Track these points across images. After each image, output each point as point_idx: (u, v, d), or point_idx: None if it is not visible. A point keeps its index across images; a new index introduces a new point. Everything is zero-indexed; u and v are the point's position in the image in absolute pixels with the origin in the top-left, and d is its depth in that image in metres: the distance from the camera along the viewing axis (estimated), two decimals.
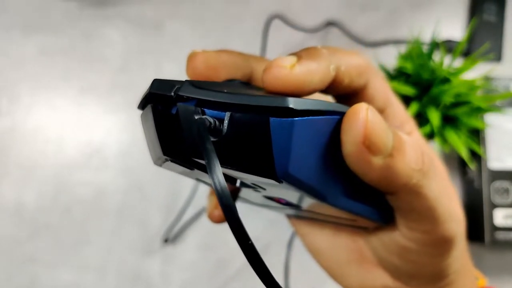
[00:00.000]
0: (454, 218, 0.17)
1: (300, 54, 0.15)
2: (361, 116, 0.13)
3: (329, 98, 0.21)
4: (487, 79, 0.47)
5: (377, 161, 0.14)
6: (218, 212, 0.21)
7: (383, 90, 0.19)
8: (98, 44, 0.52)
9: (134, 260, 0.48)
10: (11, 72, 0.51)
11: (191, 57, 0.17)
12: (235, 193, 0.21)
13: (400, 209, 0.17)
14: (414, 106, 0.40)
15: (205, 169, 0.14)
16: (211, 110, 0.13)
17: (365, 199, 0.16)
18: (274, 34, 0.52)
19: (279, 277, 0.48)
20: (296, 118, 0.12)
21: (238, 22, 0.53)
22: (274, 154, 0.12)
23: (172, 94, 0.13)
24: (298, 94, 0.14)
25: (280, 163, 0.12)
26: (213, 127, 0.12)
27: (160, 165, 0.16)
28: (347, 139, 0.13)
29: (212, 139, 0.13)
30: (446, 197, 0.17)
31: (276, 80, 0.14)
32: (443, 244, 0.17)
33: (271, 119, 0.12)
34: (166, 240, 0.48)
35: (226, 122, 0.12)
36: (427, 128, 0.40)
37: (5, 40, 0.52)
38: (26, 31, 0.52)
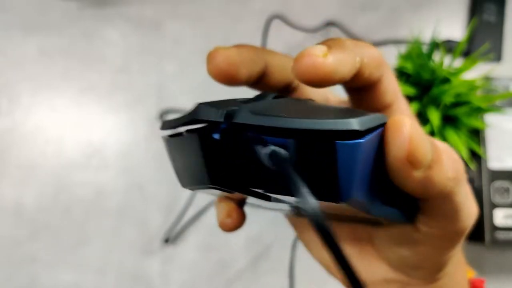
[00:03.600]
0: (472, 216, 0.18)
1: (329, 44, 0.15)
2: (405, 131, 0.13)
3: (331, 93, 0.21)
4: (487, 79, 0.47)
5: (417, 174, 0.14)
6: (231, 220, 0.20)
7: (393, 84, 0.19)
8: (98, 44, 0.52)
9: (134, 260, 0.48)
10: (11, 72, 0.51)
11: (213, 55, 0.17)
12: (243, 200, 0.20)
13: (426, 210, 0.17)
14: (414, 106, 0.40)
15: (259, 195, 0.14)
16: (272, 138, 0.12)
17: (397, 204, 0.16)
18: (274, 34, 0.52)
19: (283, 277, 0.48)
20: (362, 140, 0.12)
21: (238, 22, 0.53)
22: (340, 178, 0.12)
23: (223, 120, 0.13)
24: (327, 84, 0.14)
25: (345, 187, 0.12)
26: (275, 155, 0.12)
27: (193, 190, 0.15)
28: (391, 154, 0.13)
29: (271, 166, 0.12)
30: (469, 198, 0.17)
31: (309, 68, 0.14)
32: (456, 238, 0.18)
33: (338, 143, 0.11)
34: (166, 240, 0.48)
35: (291, 149, 0.12)
36: (427, 128, 0.40)
37: (5, 40, 0.52)
38: (26, 31, 0.52)
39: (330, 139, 0.11)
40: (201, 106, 0.13)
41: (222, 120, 0.13)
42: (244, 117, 0.12)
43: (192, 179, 0.15)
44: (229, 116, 0.13)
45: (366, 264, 0.21)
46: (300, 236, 0.23)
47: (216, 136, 0.13)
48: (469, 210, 0.17)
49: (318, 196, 0.12)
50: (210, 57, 0.17)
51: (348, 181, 0.12)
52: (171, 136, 0.15)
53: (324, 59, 0.14)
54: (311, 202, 0.10)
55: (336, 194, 0.12)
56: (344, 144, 0.11)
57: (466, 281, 0.22)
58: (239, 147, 0.12)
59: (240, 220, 0.20)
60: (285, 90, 0.20)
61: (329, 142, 0.11)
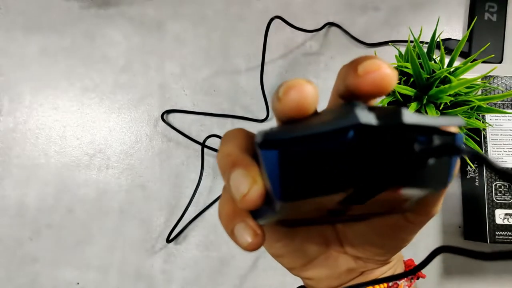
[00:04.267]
0: None
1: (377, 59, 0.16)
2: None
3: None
4: (488, 78, 0.47)
5: None
6: (259, 238, 0.18)
7: None
8: (100, 44, 0.52)
9: (137, 259, 0.48)
10: (13, 72, 0.51)
11: (298, 87, 0.15)
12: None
13: (420, 202, 0.19)
14: (414, 106, 0.41)
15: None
16: (422, 137, 0.14)
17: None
18: (274, 34, 0.53)
19: (282, 275, 0.48)
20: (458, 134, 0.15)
21: (239, 22, 0.54)
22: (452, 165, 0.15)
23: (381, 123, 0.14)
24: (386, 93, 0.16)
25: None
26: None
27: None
28: None
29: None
30: None
31: (385, 79, 0.15)
32: (427, 221, 0.21)
33: (458, 135, 0.14)
34: (168, 239, 0.48)
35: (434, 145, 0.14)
36: None
37: (7, 40, 0.52)
38: (28, 31, 0.52)
39: (452, 133, 0.14)
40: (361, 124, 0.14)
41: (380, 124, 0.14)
42: (407, 117, 0.14)
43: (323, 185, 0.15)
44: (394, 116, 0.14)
45: (333, 260, 0.24)
46: (271, 246, 0.23)
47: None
48: None
49: (439, 184, 0.16)
50: (293, 89, 0.15)
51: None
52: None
53: (392, 71, 0.15)
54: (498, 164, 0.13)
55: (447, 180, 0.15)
56: (460, 135, 0.15)
57: (402, 260, 0.27)
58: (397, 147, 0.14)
59: (264, 234, 0.18)
60: None
61: (452, 136, 0.15)
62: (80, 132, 0.51)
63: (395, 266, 0.26)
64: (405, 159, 0.14)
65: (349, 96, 0.17)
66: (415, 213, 0.20)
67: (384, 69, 0.15)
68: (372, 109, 0.14)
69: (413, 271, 0.18)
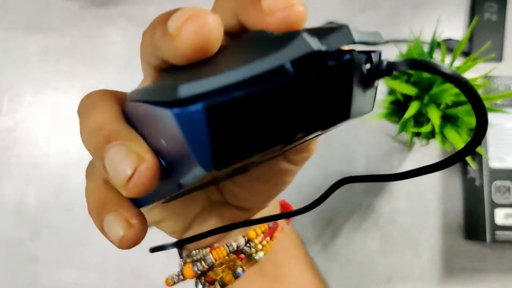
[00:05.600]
0: None
1: None
2: None
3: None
4: (488, 78, 0.47)
5: None
6: (136, 230, 0.15)
7: None
8: (100, 43, 0.52)
9: (135, 258, 0.48)
10: (13, 71, 0.51)
11: (198, 18, 0.11)
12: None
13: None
14: (415, 105, 0.40)
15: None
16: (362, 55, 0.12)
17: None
18: None
19: None
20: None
21: None
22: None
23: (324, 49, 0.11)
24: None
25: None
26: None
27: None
28: None
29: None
30: None
31: (299, 18, 0.13)
32: (309, 158, 0.20)
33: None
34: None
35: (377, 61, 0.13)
36: (428, 127, 0.40)
37: (7, 40, 0.52)
38: (28, 31, 0.52)
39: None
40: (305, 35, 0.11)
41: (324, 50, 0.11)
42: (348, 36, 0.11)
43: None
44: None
45: (215, 215, 0.23)
46: (147, 212, 0.22)
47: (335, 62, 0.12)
48: None
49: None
50: (196, 18, 0.12)
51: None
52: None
53: (304, 7, 0.13)
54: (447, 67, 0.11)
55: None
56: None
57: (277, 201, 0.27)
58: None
59: (144, 224, 0.15)
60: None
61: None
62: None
63: (273, 207, 0.26)
64: (353, 90, 0.12)
65: (240, 32, 0.15)
66: (297, 152, 0.19)
67: (298, 6, 0.12)
68: (311, 31, 0.12)
69: (306, 209, 0.17)
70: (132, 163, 0.12)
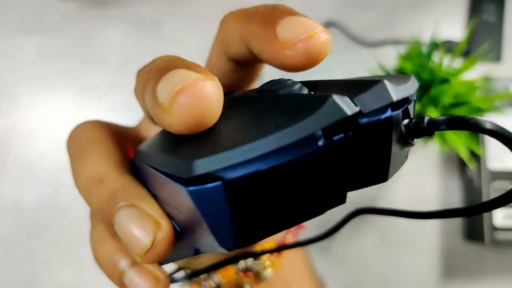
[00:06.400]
0: None
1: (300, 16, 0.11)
2: None
3: None
4: (487, 79, 0.47)
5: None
6: (163, 284, 0.13)
7: None
8: (97, 44, 0.52)
9: None
10: (11, 72, 0.51)
11: (194, 89, 0.10)
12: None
13: None
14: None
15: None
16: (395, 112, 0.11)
17: None
18: None
19: None
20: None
21: None
22: None
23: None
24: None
25: None
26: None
27: None
28: None
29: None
30: None
31: (323, 49, 0.11)
32: None
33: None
34: None
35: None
36: None
37: (4, 41, 0.52)
38: (26, 32, 0.52)
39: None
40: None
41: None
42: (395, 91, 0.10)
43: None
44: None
45: None
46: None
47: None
48: None
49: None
50: (194, 92, 0.10)
51: None
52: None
53: (328, 37, 0.11)
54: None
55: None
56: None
57: None
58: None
59: (168, 279, 0.14)
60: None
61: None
62: None
63: None
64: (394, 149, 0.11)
65: (252, 61, 0.13)
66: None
67: (321, 34, 0.10)
68: (340, 87, 0.11)
69: (320, 238, 0.15)
70: (148, 232, 0.10)
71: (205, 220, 0.10)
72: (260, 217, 0.10)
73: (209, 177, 0.09)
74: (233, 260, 0.19)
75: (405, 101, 0.11)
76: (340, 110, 0.09)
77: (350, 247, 0.49)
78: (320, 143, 0.09)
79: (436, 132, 0.42)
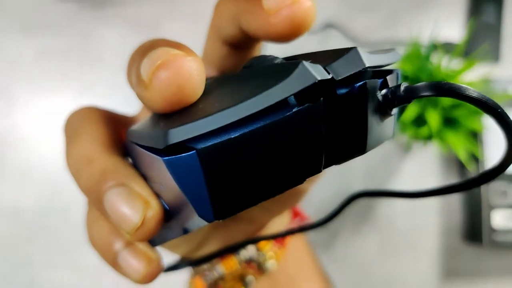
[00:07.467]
0: None
1: None
2: None
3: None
4: (486, 81, 0.48)
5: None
6: (155, 266, 0.13)
7: None
8: (96, 45, 0.52)
9: None
10: (10, 73, 0.51)
11: (174, 64, 0.10)
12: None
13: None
14: (413, 108, 0.40)
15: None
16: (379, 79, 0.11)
17: None
18: None
19: None
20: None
21: None
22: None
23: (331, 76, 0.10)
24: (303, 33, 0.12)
25: None
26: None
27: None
28: None
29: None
30: None
31: (307, 15, 0.11)
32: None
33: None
34: None
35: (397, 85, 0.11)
36: (426, 130, 0.40)
37: (3, 42, 0.51)
38: (25, 32, 0.52)
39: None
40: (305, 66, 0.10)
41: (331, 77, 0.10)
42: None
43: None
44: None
45: (226, 231, 0.20)
46: (173, 245, 0.21)
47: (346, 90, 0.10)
48: None
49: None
50: (174, 66, 0.10)
51: None
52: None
53: (312, 1, 0.11)
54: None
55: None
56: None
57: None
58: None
59: (160, 259, 0.14)
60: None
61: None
62: None
63: (283, 215, 0.23)
64: (371, 117, 0.11)
65: (244, 41, 0.13)
66: None
67: (304, 0, 0.11)
68: (315, 57, 0.11)
69: (318, 224, 0.16)
70: (138, 210, 0.11)
71: (182, 190, 0.10)
72: (237, 185, 0.10)
73: (184, 148, 0.09)
74: (234, 249, 0.19)
75: (385, 73, 0.11)
76: (310, 75, 0.09)
77: (350, 248, 0.49)
78: (292, 109, 0.09)
79: (436, 133, 0.42)
